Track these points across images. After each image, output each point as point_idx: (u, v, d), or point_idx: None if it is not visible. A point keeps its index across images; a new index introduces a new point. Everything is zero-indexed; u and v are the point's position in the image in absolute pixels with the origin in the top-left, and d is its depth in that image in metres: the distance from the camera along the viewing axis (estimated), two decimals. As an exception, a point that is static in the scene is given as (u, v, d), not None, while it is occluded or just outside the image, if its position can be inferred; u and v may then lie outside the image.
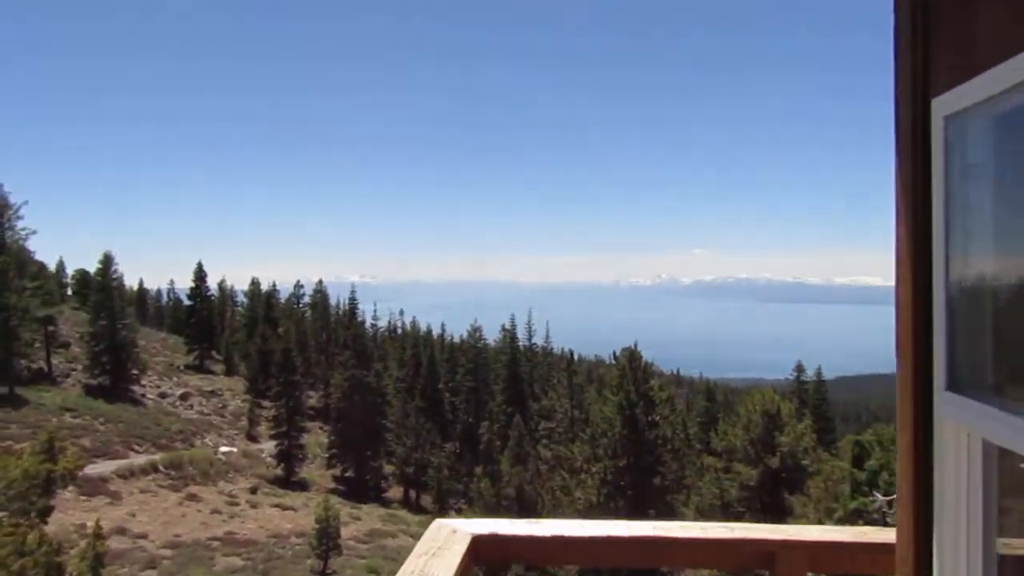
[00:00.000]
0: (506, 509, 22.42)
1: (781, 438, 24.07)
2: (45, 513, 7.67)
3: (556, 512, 22.11)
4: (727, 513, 24.16)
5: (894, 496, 11.25)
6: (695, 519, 25.87)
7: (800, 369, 61.70)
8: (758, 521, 23.97)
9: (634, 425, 22.13)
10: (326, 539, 26.38)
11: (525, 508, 22.55)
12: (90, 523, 31.83)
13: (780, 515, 21.35)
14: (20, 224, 53.70)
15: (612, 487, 21.75)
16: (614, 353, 27.35)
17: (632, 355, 24.28)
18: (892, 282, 1.88)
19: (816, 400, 58.71)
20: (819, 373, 63.66)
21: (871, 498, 10.40)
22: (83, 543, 27.98)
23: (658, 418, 23.88)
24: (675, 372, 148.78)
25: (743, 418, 26.07)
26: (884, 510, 10.25)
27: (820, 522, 13.92)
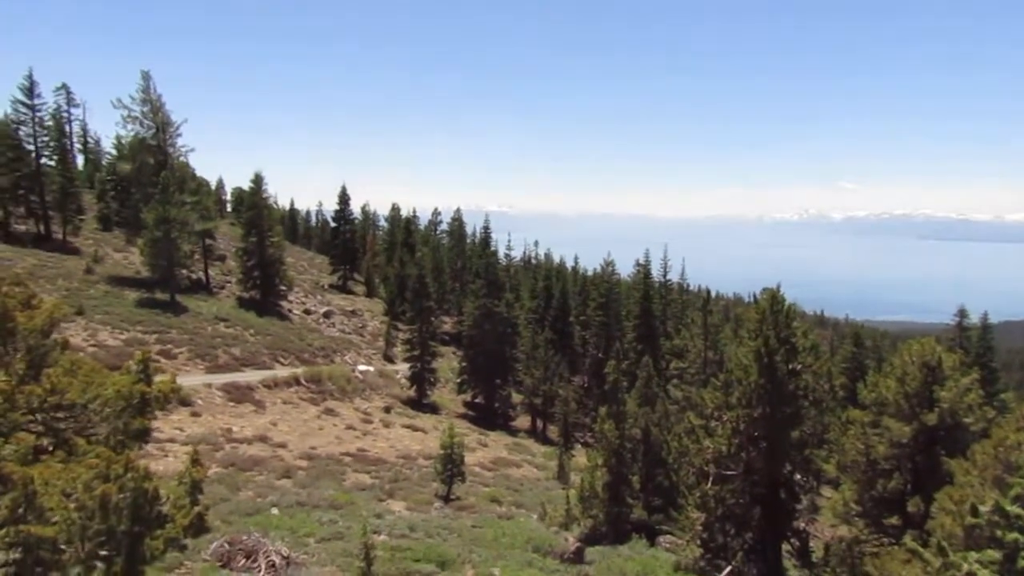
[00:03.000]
0: (631, 452, 21.67)
1: (941, 392, 21.65)
2: (140, 436, 7.56)
3: (683, 460, 21.16)
4: (874, 471, 22.26)
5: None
6: (837, 476, 24.11)
7: (963, 313, 55.97)
8: (908, 484, 21.94)
9: (772, 373, 20.47)
10: (450, 465, 26.67)
11: (650, 453, 21.72)
12: (236, 428, 33.99)
13: (937, 479, 19.31)
14: (180, 141, 57.02)
15: (745, 438, 20.41)
16: (754, 295, 25.54)
17: (774, 297, 22.34)
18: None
19: (980, 348, 53.44)
20: (985, 318, 57.41)
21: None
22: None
23: (800, 367, 22.06)
24: (819, 313, 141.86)
25: (897, 368, 23.67)
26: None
27: (989, 495, 12.20)
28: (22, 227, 53.64)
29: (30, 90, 51.67)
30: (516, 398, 53.90)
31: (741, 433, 20.70)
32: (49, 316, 7.41)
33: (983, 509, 10.30)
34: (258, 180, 58.16)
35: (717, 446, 20.72)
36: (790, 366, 21.43)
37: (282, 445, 31.78)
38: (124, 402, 7.05)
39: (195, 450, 7.75)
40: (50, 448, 7.14)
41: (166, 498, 7.07)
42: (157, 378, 8.15)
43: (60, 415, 7.11)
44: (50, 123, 55.79)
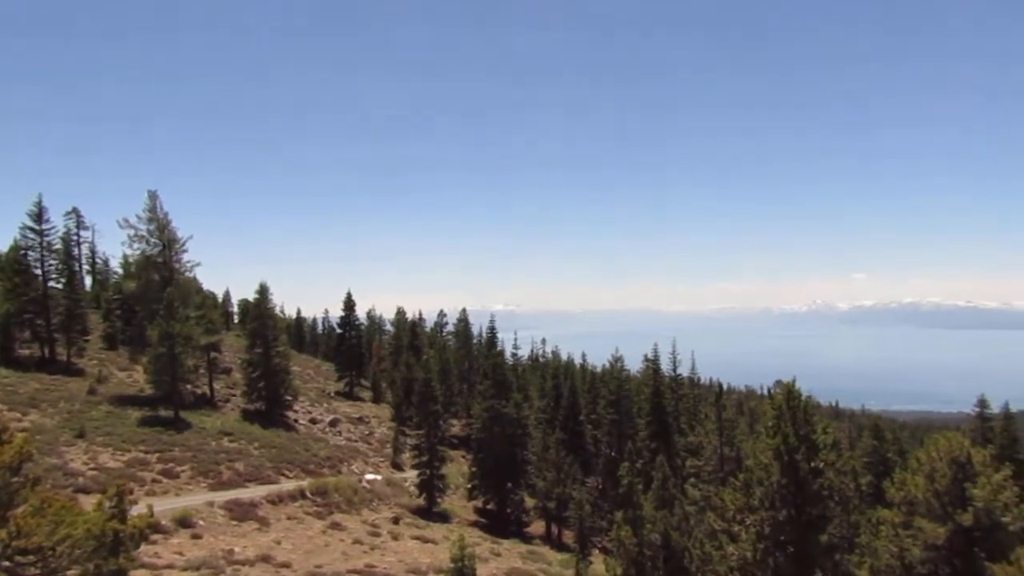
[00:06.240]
0: (650, 559, 20.53)
1: (974, 490, 20.61)
2: (115, 579, 6.94)
3: (707, 568, 19.95)
4: (909, 576, 20.95)
5: None
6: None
7: (983, 403, 54.93)
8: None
9: (795, 473, 19.58)
10: (461, 580, 25.34)
11: (672, 560, 20.58)
12: (238, 548, 32.62)
13: (980, 586, 18.10)
14: (186, 257, 57.69)
15: (771, 542, 19.31)
16: (768, 389, 24.87)
17: (790, 392, 21.64)
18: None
19: (1004, 440, 51.94)
20: (1006, 408, 56.40)
21: None
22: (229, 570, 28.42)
23: (822, 464, 21.12)
24: (833, 404, 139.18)
25: (925, 465, 22.66)
26: None
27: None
28: (26, 351, 53.33)
29: (39, 216, 52.30)
30: (529, 502, 52.16)
31: (767, 537, 19.60)
32: (19, 452, 6.91)
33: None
34: (263, 291, 58.40)
35: (742, 552, 19.59)
36: (812, 464, 20.51)
37: (286, 565, 30.39)
38: (95, 542, 6.49)
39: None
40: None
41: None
42: (133, 511, 7.58)
43: (26, 559, 6.55)
44: (58, 247, 56.35)
